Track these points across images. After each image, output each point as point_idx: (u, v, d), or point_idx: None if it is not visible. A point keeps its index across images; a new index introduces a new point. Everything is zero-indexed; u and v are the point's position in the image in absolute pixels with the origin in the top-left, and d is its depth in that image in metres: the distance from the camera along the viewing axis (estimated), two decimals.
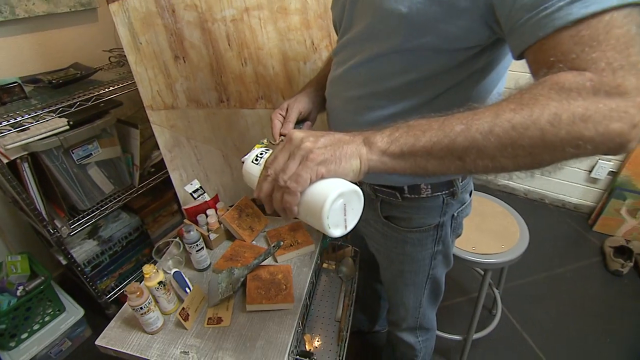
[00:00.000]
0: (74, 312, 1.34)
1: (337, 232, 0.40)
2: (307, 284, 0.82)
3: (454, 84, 0.51)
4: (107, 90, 1.19)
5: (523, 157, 0.34)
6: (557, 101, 0.32)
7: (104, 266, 1.38)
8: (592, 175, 1.85)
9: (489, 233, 1.11)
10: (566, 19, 0.32)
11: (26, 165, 1.08)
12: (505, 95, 0.36)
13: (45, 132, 1.07)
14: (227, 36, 1.00)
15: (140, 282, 0.68)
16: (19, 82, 1.14)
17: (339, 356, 0.80)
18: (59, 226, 1.17)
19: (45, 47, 1.37)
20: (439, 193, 0.65)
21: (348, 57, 0.59)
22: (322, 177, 0.38)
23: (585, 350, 1.32)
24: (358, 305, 1.03)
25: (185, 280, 0.77)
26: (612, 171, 1.80)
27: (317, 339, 0.84)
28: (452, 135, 0.35)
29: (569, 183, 1.97)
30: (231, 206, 0.98)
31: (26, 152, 1.07)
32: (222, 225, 0.94)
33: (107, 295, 1.38)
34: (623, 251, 1.67)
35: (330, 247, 1.08)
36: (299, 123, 0.67)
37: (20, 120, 1.01)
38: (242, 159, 0.53)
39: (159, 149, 1.45)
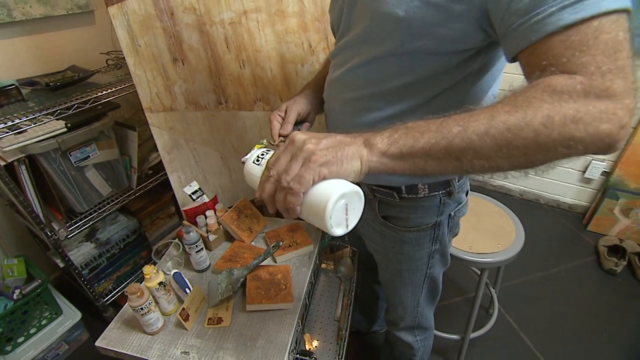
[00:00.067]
0: (71, 316, 1.33)
1: (339, 231, 0.41)
2: (307, 283, 0.83)
3: (450, 86, 0.53)
4: (104, 92, 1.19)
5: (518, 157, 0.35)
6: (549, 103, 0.33)
7: (102, 269, 1.37)
8: (586, 175, 1.88)
9: (485, 233, 1.13)
10: (557, 24, 0.34)
11: (23, 167, 1.08)
12: (500, 98, 0.38)
13: (42, 135, 1.07)
14: (225, 39, 1.01)
15: (140, 283, 0.69)
16: (16, 84, 1.14)
17: (339, 355, 0.80)
18: (57, 229, 1.17)
19: (42, 50, 1.37)
20: (436, 193, 0.66)
21: (346, 60, 0.60)
22: (324, 178, 0.39)
23: (581, 348, 1.34)
24: (356, 305, 1.04)
25: (185, 281, 0.78)
26: (605, 171, 1.83)
27: (316, 338, 0.85)
28: (449, 137, 0.36)
29: (564, 183, 1.99)
30: (230, 207, 0.98)
31: (23, 155, 1.07)
32: (221, 226, 0.95)
33: (104, 298, 1.37)
34: (617, 250, 1.69)
35: (328, 247, 1.09)
36: (298, 124, 0.68)
37: (17, 123, 1.01)
38: (242, 159, 0.53)
39: (156, 151, 1.45)
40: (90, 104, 1.15)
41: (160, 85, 1.00)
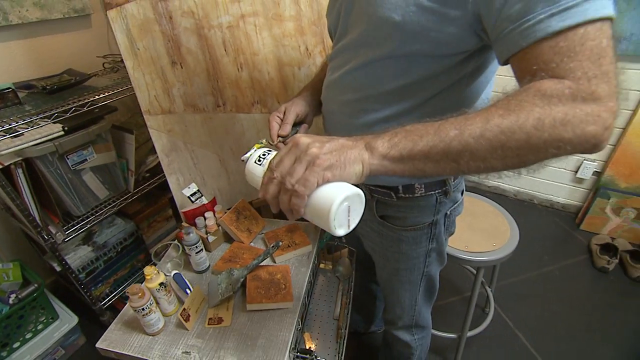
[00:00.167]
0: (67, 320, 1.32)
1: (341, 231, 0.43)
2: (306, 283, 0.83)
3: (444, 88, 0.54)
4: (101, 96, 1.19)
5: (511, 158, 0.37)
6: (540, 107, 0.35)
7: (99, 272, 1.36)
8: (578, 175, 1.92)
9: (480, 232, 1.15)
10: (546, 31, 0.36)
11: (20, 171, 1.08)
12: (493, 100, 0.39)
13: (39, 138, 1.06)
14: (223, 42, 1.02)
15: (141, 284, 0.69)
16: (13, 87, 1.14)
17: (338, 353, 0.81)
18: (54, 232, 1.16)
19: (38, 53, 1.37)
20: (432, 192, 0.67)
21: (343, 63, 0.61)
22: (328, 181, 0.40)
23: (575, 345, 1.36)
24: (354, 306, 1.05)
25: (186, 282, 0.78)
26: (596, 171, 1.87)
27: (316, 337, 0.85)
28: (447, 140, 0.38)
29: (557, 183, 2.03)
30: (229, 209, 0.99)
31: (20, 158, 1.06)
32: (220, 227, 0.95)
33: (101, 302, 1.36)
34: (609, 248, 1.72)
35: (326, 247, 1.10)
36: (296, 125, 0.69)
37: (14, 126, 1.01)
38: (242, 158, 0.54)
39: (153, 154, 1.46)
40: (88, 107, 1.15)
41: (159, 88, 1.01)
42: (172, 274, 0.79)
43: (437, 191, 0.67)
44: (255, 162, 0.50)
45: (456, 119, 0.39)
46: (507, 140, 0.36)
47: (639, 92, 1.64)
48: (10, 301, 1.17)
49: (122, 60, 1.46)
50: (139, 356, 0.67)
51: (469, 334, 1.27)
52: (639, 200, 1.74)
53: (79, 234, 1.23)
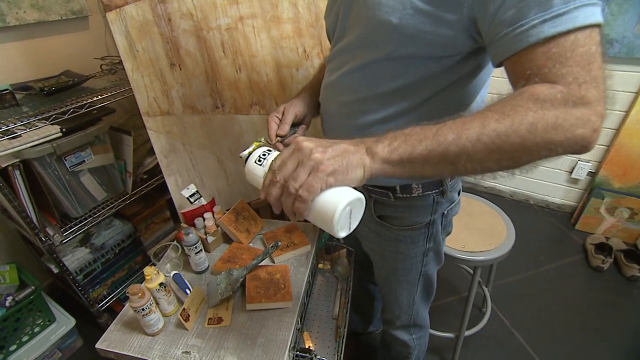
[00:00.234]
0: (64, 322, 1.31)
1: (343, 233, 0.44)
2: (305, 283, 0.84)
3: (441, 89, 0.55)
4: (99, 97, 1.19)
5: (506, 160, 0.39)
6: (533, 111, 0.37)
7: (96, 274, 1.36)
8: (573, 176, 1.94)
9: (477, 232, 1.16)
10: (538, 36, 0.38)
11: (17, 172, 1.07)
12: (489, 104, 0.41)
13: (37, 139, 1.06)
14: (222, 44, 1.03)
15: (141, 284, 0.69)
16: (10, 89, 1.14)
17: (337, 352, 0.82)
18: (51, 234, 1.16)
19: (36, 55, 1.37)
20: (430, 192, 0.68)
21: (341, 64, 0.62)
22: (331, 186, 0.41)
23: (572, 343, 1.38)
24: (352, 306, 1.05)
25: (185, 282, 0.78)
26: (591, 172, 1.89)
27: (315, 337, 0.86)
28: (445, 144, 0.39)
29: (552, 184, 2.05)
30: (228, 210, 0.99)
31: (18, 160, 1.06)
32: (219, 228, 0.96)
33: (99, 304, 1.36)
34: (603, 248, 1.75)
35: (324, 248, 1.10)
36: (295, 126, 0.70)
37: (11, 128, 1.01)
38: (240, 155, 0.55)
39: (151, 155, 1.46)
40: (86, 108, 1.15)
41: (158, 90, 1.02)
42: (171, 275, 0.79)
43: (434, 191, 0.68)
44: (255, 162, 0.50)
45: (454, 123, 0.40)
46: (502, 143, 0.37)
47: (631, 93, 1.66)
48: (7, 304, 1.16)
49: (119, 62, 1.47)
50: (139, 356, 0.67)
51: (467, 333, 1.28)
52: (633, 200, 1.76)
53: (76, 235, 1.22)
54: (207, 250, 0.93)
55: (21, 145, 1.04)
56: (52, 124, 1.09)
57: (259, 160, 0.50)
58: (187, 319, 0.72)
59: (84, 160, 1.22)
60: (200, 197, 1.00)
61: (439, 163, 0.40)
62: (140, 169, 1.44)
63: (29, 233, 1.13)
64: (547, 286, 1.62)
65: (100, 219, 1.28)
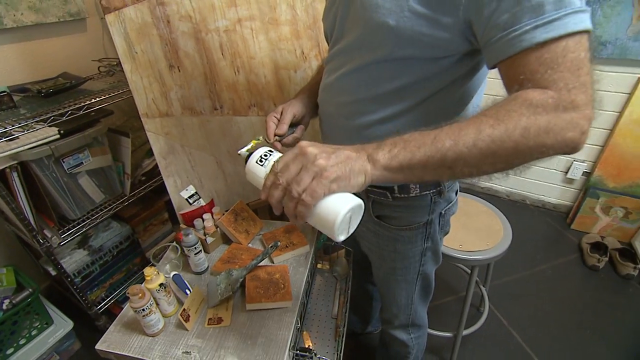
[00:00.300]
0: (62, 325, 1.31)
1: (342, 237, 0.45)
2: (304, 282, 0.84)
3: (438, 89, 0.56)
4: (97, 99, 1.20)
5: (500, 163, 0.41)
6: (526, 116, 0.39)
7: (94, 276, 1.36)
8: (568, 176, 1.96)
9: (474, 231, 1.17)
10: (531, 41, 0.40)
11: (15, 174, 1.07)
12: (485, 108, 0.43)
13: (35, 141, 1.06)
14: (220, 46, 1.04)
15: (141, 285, 0.69)
16: (8, 91, 1.14)
17: (337, 351, 0.82)
18: (49, 236, 1.16)
19: (33, 57, 1.37)
20: (427, 192, 0.69)
21: (339, 66, 0.63)
22: (333, 192, 0.42)
23: (569, 341, 1.39)
24: (350, 306, 1.06)
25: (185, 283, 0.78)
26: (586, 172, 1.91)
27: (315, 336, 0.86)
28: (443, 150, 0.41)
29: (548, 184, 2.07)
30: (226, 210, 1.00)
31: (15, 162, 1.06)
32: (218, 229, 0.96)
33: (97, 306, 1.36)
34: (599, 247, 1.76)
35: (323, 248, 1.11)
36: (293, 126, 0.71)
37: (9, 130, 1.01)
38: (239, 152, 0.56)
39: (149, 157, 1.46)
40: (84, 110, 1.15)
41: (157, 92, 1.02)
42: (171, 275, 0.79)
43: (431, 191, 0.69)
44: (256, 162, 0.50)
45: (451, 129, 0.42)
46: (497, 148, 0.40)
47: (624, 94, 1.69)
48: (4, 307, 1.15)
49: (117, 64, 1.47)
50: (139, 357, 0.67)
51: (465, 332, 1.29)
52: (627, 199, 1.79)
53: (74, 237, 1.22)
54: (206, 251, 0.93)
55: (19, 147, 1.03)
56: (49, 126, 1.09)
57: (260, 161, 0.50)
58: (187, 319, 0.72)
59: (82, 162, 1.21)
60: (199, 198, 1.00)
61: (438, 168, 0.42)
62: (139, 170, 1.44)
63: (27, 235, 1.13)
64: (543, 285, 1.63)
65: (98, 221, 1.28)
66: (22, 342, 1.23)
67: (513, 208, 2.15)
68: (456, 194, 0.77)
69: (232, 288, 0.78)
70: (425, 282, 0.86)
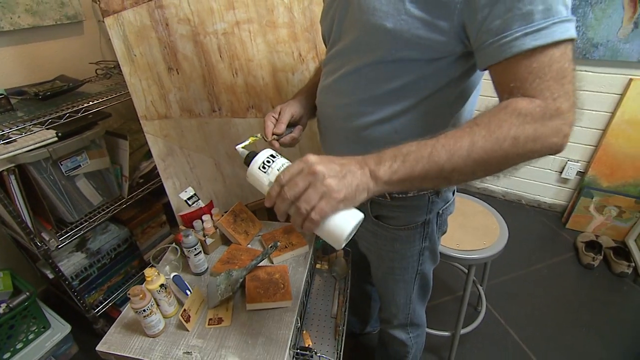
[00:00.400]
0: (60, 329, 1.30)
1: (344, 244, 0.48)
2: (304, 282, 0.85)
3: (435, 90, 0.57)
4: (95, 102, 1.20)
5: (492, 170, 0.45)
6: (516, 126, 0.42)
7: (92, 279, 1.35)
8: (563, 175, 1.99)
9: (471, 231, 1.18)
10: (520, 48, 0.42)
11: (13, 177, 1.07)
12: (479, 116, 0.45)
13: (33, 144, 1.06)
14: (218, 48, 1.05)
15: (141, 285, 0.70)
16: (5, 94, 1.13)
17: (337, 350, 0.83)
18: (47, 239, 1.15)
19: (30, 60, 1.37)
20: (425, 192, 0.70)
21: (337, 68, 0.64)
22: (340, 210, 0.46)
23: (565, 339, 1.40)
24: (349, 307, 1.06)
25: (185, 283, 0.79)
26: (580, 171, 1.94)
27: (315, 336, 0.87)
28: (440, 163, 0.44)
29: (543, 184, 2.10)
30: (225, 212, 1.00)
31: (13, 165, 1.06)
32: (217, 230, 0.96)
33: (95, 309, 1.35)
34: (593, 246, 1.79)
35: (322, 248, 1.11)
36: (291, 126, 0.71)
37: (6, 133, 1.01)
38: (236, 148, 0.56)
39: (147, 159, 1.46)
40: (81, 113, 1.15)
41: (155, 94, 1.02)
42: (171, 276, 0.80)
43: (429, 191, 0.70)
44: (259, 168, 0.50)
45: (447, 141, 0.44)
46: (489, 157, 0.43)
47: (616, 95, 1.72)
48: (1, 310, 1.14)
49: (115, 67, 1.48)
50: (140, 358, 0.67)
51: (462, 331, 1.30)
52: (620, 198, 1.81)
53: (72, 240, 1.21)
54: (205, 252, 0.94)
55: (16, 150, 1.03)
56: (47, 129, 1.09)
57: (264, 167, 0.50)
58: (187, 320, 0.72)
59: (80, 165, 1.21)
60: (198, 199, 1.01)
61: (435, 179, 0.45)
62: (136, 173, 1.44)
63: (24, 238, 1.13)
64: (540, 284, 1.65)
65: (96, 223, 1.28)
66: (19, 346, 1.22)
67: (509, 208, 2.17)
68: (453, 193, 0.78)
69: (232, 288, 0.78)
70: (424, 282, 0.87)
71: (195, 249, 0.83)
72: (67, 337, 1.30)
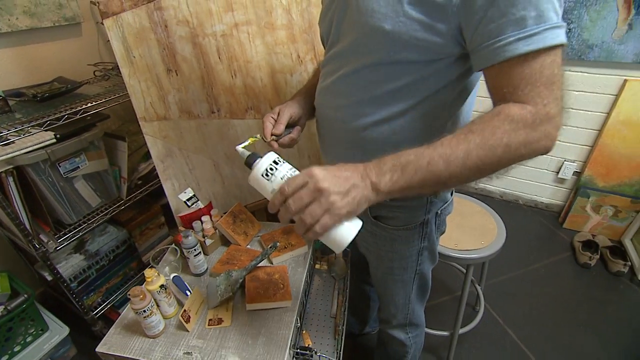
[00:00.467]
0: (58, 331, 1.29)
1: (344, 249, 0.50)
2: (303, 282, 0.85)
3: (433, 91, 0.58)
4: (94, 103, 1.20)
5: (486, 173, 0.48)
6: (508, 133, 0.45)
7: (91, 281, 1.35)
8: (560, 176, 2.00)
9: (469, 231, 1.19)
10: (513, 52, 0.44)
11: (11, 179, 1.06)
12: (473, 122, 0.48)
13: (32, 146, 1.06)
14: (217, 50, 1.05)
15: (141, 286, 0.70)
16: (3, 95, 1.13)
17: (337, 350, 0.83)
18: (45, 241, 1.15)
19: (28, 61, 1.37)
20: None
21: (335, 69, 0.65)
22: (343, 222, 0.48)
23: (563, 338, 1.41)
24: (348, 307, 1.06)
25: (185, 284, 0.79)
26: (576, 171, 1.96)
27: (314, 335, 0.87)
28: (437, 172, 0.47)
29: (540, 184, 2.11)
30: (225, 213, 1.00)
31: (11, 166, 1.05)
32: (217, 231, 0.96)
33: (93, 311, 1.34)
34: (590, 245, 1.80)
35: (321, 249, 1.12)
36: (290, 127, 0.72)
37: (5, 134, 1.01)
38: (236, 148, 0.57)
39: (146, 161, 1.46)
40: (80, 114, 1.15)
41: (154, 95, 1.03)
42: (171, 277, 0.80)
43: None
44: (262, 175, 0.51)
45: (443, 149, 0.46)
46: (483, 164, 0.46)
47: (611, 95, 1.73)
48: None
49: (113, 68, 1.48)
50: (140, 358, 0.67)
51: (461, 331, 1.30)
52: (617, 198, 1.83)
53: (70, 242, 1.21)
54: (205, 253, 0.94)
55: (14, 151, 1.03)
56: (45, 130, 1.09)
57: (267, 175, 0.50)
58: (188, 320, 0.72)
59: (78, 167, 1.21)
60: (197, 200, 1.01)
61: (433, 186, 0.48)
62: (135, 174, 1.44)
63: (22, 240, 1.12)
64: (537, 283, 1.66)
65: (94, 225, 1.27)
66: (16, 349, 1.21)
67: (506, 208, 2.18)
68: (452, 194, 0.78)
69: (232, 289, 0.78)
70: (422, 282, 0.87)
71: (194, 249, 0.83)
72: (65, 339, 1.29)
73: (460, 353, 1.35)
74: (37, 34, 1.38)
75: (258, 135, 0.65)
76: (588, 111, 1.81)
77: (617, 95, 1.71)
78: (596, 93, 1.76)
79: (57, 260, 1.25)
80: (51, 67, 1.43)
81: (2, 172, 1.03)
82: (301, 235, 0.48)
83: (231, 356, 0.68)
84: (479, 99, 0.65)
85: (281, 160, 0.53)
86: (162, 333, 0.73)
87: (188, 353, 0.68)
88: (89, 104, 1.19)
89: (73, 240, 1.22)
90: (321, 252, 1.13)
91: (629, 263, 1.68)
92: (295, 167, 0.53)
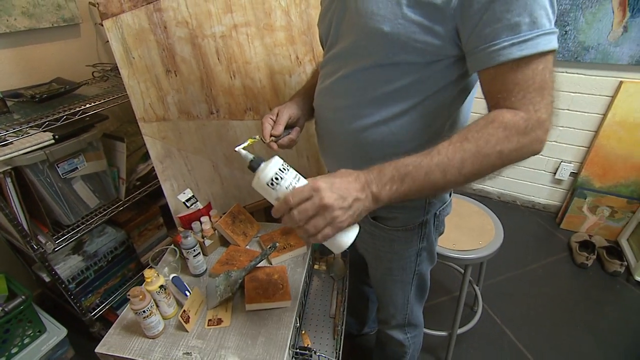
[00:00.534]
0: (55, 333, 1.29)
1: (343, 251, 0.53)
2: (302, 282, 0.86)
3: (432, 93, 0.58)
4: (92, 104, 1.20)
5: (480, 178, 0.51)
6: (502, 140, 0.47)
7: (89, 282, 1.34)
8: (557, 176, 2.01)
9: (467, 231, 1.20)
10: (507, 57, 0.46)
11: (9, 180, 1.06)
12: (468, 128, 0.49)
13: (30, 146, 1.06)
14: (216, 51, 1.05)
15: (141, 287, 0.70)
16: (1, 96, 1.13)
17: (336, 350, 0.83)
18: (43, 242, 1.15)
19: (26, 62, 1.36)
20: None
21: (334, 70, 0.65)
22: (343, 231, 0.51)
23: (561, 338, 1.42)
24: (347, 308, 1.07)
25: (184, 285, 0.79)
26: (573, 172, 1.97)
27: (314, 336, 0.87)
28: (434, 181, 0.49)
29: (537, 185, 2.12)
30: (224, 213, 1.00)
31: (9, 167, 1.05)
32: (216, 231, 0.97)
33: (91, 313, 1.34)
34: (587, 245, 1.81)
35: (319, 249, 1.12)
36: (288, 128, 0.72)
37: (3, 135, 1.00)
38: (236, 149, 0.57)
39: (144, 162, 1.46)
40: (78, 115, 1.15)
41: (154, 96, 1.03)
42: (170, 278, 0.80)
43: None
44: (267, 184, 0.51)
45: (440, 159, 0.48)
46: (478, 171, 0.49)
47: (607, 97, 1.75)
48: None
49: (111, 69, 1.48)
50: (140, 359, 0.67)
51: (459, 331, 1.31)
52: (613, 198, 1.84)
53: (69, 243, 1.21)
54: (204, 254, 0.94)
55: (13, 152, 1.03)
56: (44, 131, 1.09)
57: (272, 185, 0.51)
58: (187, 321, 0.72)
59: (77, 167, 1.21)
60: (197, 201, 1.01)
61: (430, 191, 0.50)
62: (133, 175, 1.44)
63: (20, 241, 1.12)
64: (535, 284, 1.67)
65: (93, 226, 1.27)
66: (14, 350, 1.20)
67: (504, 209, 2.20)
68: (450, 195, 0.79)
69: (232, 289, 0.78)
70: (421, 282, 0.87)
71: (194, 250, 0.83)
72: (63, 341, 1.29)
73: (458, 353, 1.36)
74: (36, 35, 1.37)
75: (257, 136, 0.66)
76: (584, 112, 1.82)
77: (613, 97, 1.72)
78: (592, 94, 1.78)
79: (55, 262, 1.24)
80: (49, 68, 1.43)
81: (0, 173, 1.03)
82: (302, 239, 0.50)
83: (231, 356, 0.68)
84: (478, 99, 0.66)
85: (286, 167, 0.53)
86: (162, 333, 0.73)
87: (187, 353, 0.68)
88: (88, 105, 1.18)
89: (71, 241, 1.22)
90: (320, 252, 1.13)
91: (625, 263, 1.69)
92: (299, 174, 0.53)
